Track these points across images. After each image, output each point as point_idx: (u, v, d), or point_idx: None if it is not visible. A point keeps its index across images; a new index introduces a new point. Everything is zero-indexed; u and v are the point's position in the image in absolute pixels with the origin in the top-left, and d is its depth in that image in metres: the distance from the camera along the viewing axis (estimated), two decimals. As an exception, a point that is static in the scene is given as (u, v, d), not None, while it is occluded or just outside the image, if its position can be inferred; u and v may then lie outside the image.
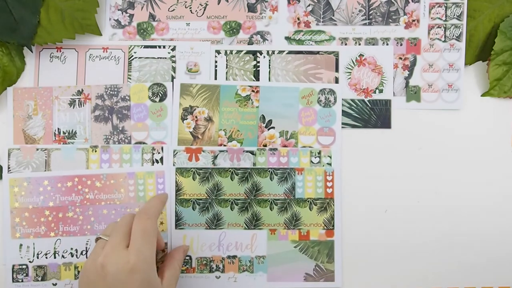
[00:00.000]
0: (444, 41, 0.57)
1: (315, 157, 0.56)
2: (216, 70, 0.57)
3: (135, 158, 0.56)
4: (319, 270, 0.56)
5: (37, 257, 0.55)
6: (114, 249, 0.42)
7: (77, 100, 0.56)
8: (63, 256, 0.55)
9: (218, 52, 0.57)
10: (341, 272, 0.56)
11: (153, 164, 0.56)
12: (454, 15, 0.56)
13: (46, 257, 0.55)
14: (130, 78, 0.57)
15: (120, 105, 0.56)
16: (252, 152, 0.56)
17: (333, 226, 0.56)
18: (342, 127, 0.57)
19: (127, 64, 0.57)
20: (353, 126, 0.57)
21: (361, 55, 0.57)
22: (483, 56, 0.57)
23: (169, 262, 0.48)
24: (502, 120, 0.57)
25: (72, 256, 0.55)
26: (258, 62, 0.57)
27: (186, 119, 0.57)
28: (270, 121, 0.57)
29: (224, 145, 0.56)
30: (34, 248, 0.55)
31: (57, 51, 0.57)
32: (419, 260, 0.56)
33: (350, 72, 0.57)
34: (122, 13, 0.57)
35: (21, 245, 0.55)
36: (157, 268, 0.45)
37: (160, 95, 0.56)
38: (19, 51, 0.56)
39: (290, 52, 0.57)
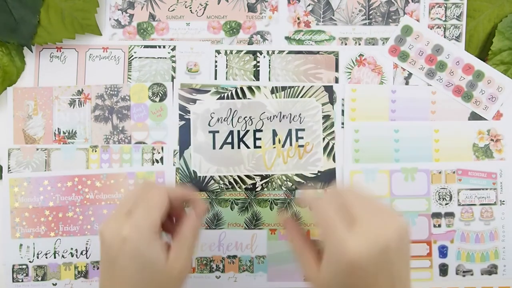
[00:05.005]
0: (444, 41, 0.57)
1: (315, 157, 0.56)
2: (216, 70, 0.57)
3: (135, 158, 0.56)
4: (319, 270, 0.56)
5: (37, 257, 0.55)
6: (114, 216, 0.39)
7: (77, 100, 0.56)
8: (63, 256, 0.55)
9: (218, 52, 0.57)
10: (341, 272, 0.56)
11: (153, 164, 0.56)
12: (453, 15, 0.56)
13: (46, 257, 0.55)
14: (130, 78, 0.57)
15: (120, 105, 0.56)
16: (252, 152, 0.56)
17: (333, 226, 0.56)
18: (342, 127, 0.57)
19: (127, 64, 0.57)
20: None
21: (361, 55, 0.57)
22: (483, 56, 0.57)
23: (177, 240, 0.41)
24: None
25: (72, 256, 0.55)
26: (258, 62, 0.57)
27: (186, 119, 0.57)
28: (270, 121, 0.57)
29: (224, 145, 0.56)
30: (34, 248, 0.55)
31: (57, 51, 0.57)
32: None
33: (350, 72, 0.57)
34: (122, 13, 0.57)
35: (21, 245, 0.55)
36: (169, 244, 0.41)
37: (160, 95, 0.56)
38: (19, 51, 0.55)
39: (290, 52, 0.57)
